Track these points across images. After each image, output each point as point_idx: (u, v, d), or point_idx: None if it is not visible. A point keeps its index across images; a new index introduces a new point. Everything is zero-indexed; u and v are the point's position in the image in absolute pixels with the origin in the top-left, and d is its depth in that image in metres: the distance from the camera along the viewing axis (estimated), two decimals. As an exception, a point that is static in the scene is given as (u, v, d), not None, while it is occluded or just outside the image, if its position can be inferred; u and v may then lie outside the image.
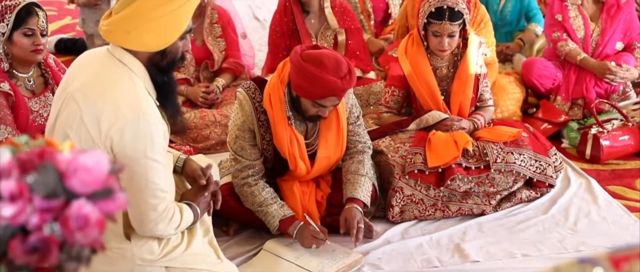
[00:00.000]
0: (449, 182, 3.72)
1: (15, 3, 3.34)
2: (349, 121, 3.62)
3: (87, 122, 2.45)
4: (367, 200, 3.52)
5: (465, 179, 3.74)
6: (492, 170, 3.77)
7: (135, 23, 2.46)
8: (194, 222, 2.83)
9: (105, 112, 2.44)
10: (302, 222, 3.37)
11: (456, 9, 3.87)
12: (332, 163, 3.63)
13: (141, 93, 2.51)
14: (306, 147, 3.52)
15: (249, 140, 3.45)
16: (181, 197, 2.87)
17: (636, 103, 4.83)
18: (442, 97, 4.10)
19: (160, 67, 2.58)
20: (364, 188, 3.53)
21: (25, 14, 3.34)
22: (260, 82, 3.50)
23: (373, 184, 3.67)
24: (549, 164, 3.93)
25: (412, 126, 4.05)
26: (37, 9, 3.39)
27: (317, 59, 3.19)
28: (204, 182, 2.88)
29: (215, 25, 5.03)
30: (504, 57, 5.60)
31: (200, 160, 3.10)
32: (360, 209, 3.45)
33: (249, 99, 3.41)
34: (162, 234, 2.68)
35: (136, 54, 2.53)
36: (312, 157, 3.55)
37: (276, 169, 3.62)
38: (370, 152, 3.74)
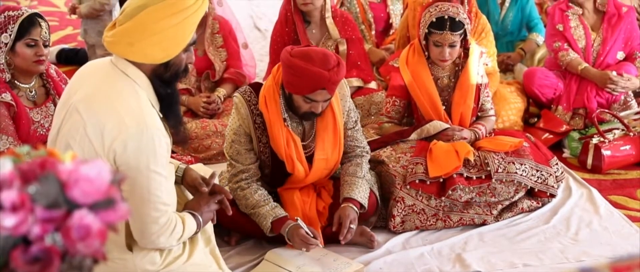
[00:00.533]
0: (450, 192, 3.72)
1: (18, 14, 3.35)
2: (347, 126, 3.63)
3: (91, 134, 2.45)
4: (364, 201, 3.53)
5: (467, 189, 3.74)
6: (493, 180, 3.77)
7: (139, 35, 2.47)
8: (197, 232, 2.83)
9: (108, 125, 2.44)
10: (293, 223, 3.37)
11: (457, 19, 3.88)
12: (331, 166, 3.63)
13: (144, 105, 2.52)
14: (303, 149, 3.53)
15: (245, 144, 3.47)
16: (184, 206, 2.87)
17: (637, 113, 4.83)
18: (443, 107, 4.10)
19: (164, 79, 2.59)
20: (360, 189, 3.54)
21: (28, 24, 3.36)
22: (256, 86, 3.53)
23: (374, 193, 3.68)
24: (550, 174, 3.93)
25: (413, 136, 4.05)
26: (39, 20, 3.40)
27: (304, 53, 3.24)
28: (205, 189, 2.88)
29: (217, 35, 5.04)
30: (505, 67, 5.61)
31: (200, 169, 3.11)
32: (355, 208, 3.46)
33: (245, 102, 3.44)
34: (164, 246, 2.68)
35: (140, 66, 2.54)
36: (310, 160, 3.56)
37: (276, 176, 3.62)
38: (368, 156, 3.75)
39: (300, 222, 3.37)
